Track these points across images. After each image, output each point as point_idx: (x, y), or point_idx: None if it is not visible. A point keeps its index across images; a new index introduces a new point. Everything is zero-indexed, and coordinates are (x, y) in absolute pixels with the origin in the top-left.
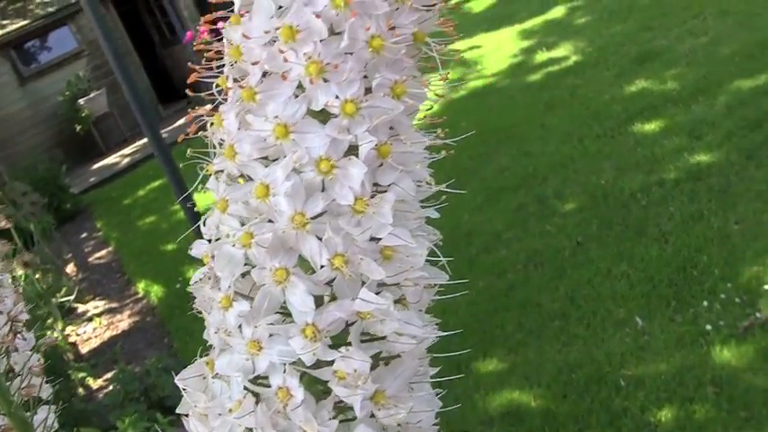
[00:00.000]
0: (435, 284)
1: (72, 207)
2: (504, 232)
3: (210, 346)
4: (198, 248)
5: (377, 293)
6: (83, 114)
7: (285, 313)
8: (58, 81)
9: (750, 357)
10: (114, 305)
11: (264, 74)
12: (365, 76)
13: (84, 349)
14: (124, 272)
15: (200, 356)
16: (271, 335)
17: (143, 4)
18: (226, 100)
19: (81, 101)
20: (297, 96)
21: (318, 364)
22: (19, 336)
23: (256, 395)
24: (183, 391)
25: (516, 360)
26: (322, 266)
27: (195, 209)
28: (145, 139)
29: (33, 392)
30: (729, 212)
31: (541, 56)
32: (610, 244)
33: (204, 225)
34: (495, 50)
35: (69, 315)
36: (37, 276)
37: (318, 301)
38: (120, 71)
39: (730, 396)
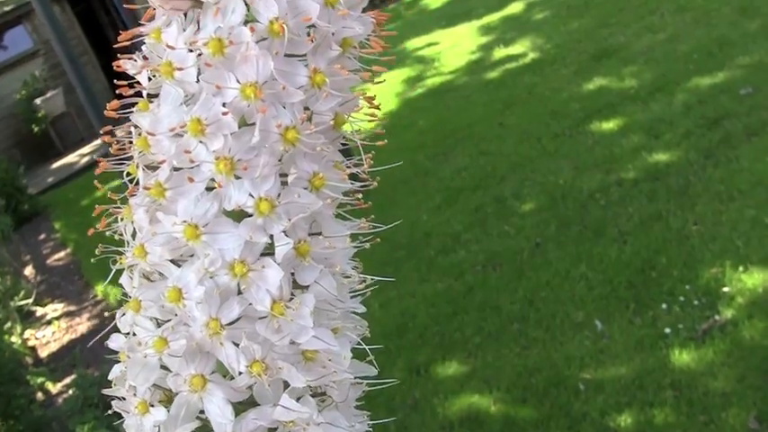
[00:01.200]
0: (363, 380)
1: (30, 208)
2: (463, 233)
3: None
4: (115, 342)
5: (299, 399)
6: (39, 114)
7: (204, 420)
8: (14, 80)
9: (709, 360)
10: (73, 308)
11: (173, 169)
12: (281, 172)
13: (43, 353)
14: (83, 274)
15: None
16: None
17: (98, 3)
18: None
19: (38, 100)
20: (209, 191)
21: None
22: None
23: None
24: None
25: (476, 364)
26: (240, 373)
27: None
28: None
29: None
30: (688, 213)
31: (499, 52)
32: (568, 245)
33: (120, 321)
34: (453, 47)
35: (28, 318)
36: None
37: (238, 407)
38: (73, 71)
39: (689, 399)
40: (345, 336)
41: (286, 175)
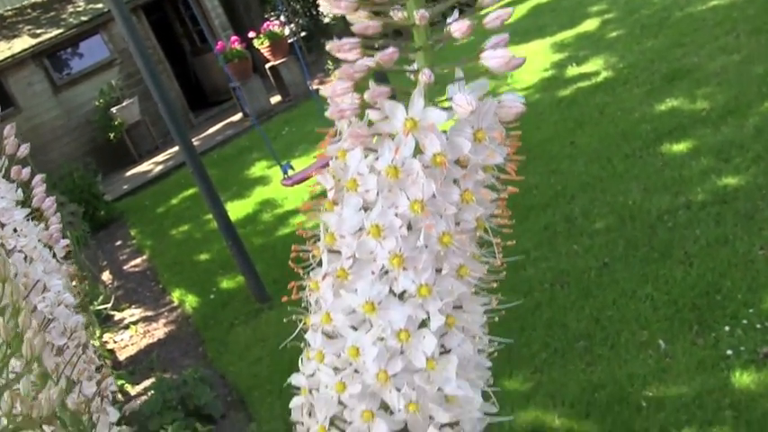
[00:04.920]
0: (488, 415)
1: (106, 215)
2: (532, 251)
3: None
4: (297, 380)
5: (440, 429)
6: (115, 122)
7: None
8: (91, 89)
9: None
10: (150, 313)
11: (353, 257)
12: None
13: (121, 356)
14: (159, 280)
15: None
16: None
17: (174, 14)
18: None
19: (113, 109)
20: (381, 278)
21: None
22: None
23: None
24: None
25: (541, 379)
26: (399, 410)
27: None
28: (176, 147)
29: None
30: (755, 237)
31: (572, 71)
32: (635, 265)
33: (302, 363)
34: (526, 64)
35: (106, 322)
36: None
37: None
38: (151, 80)
39: (748, 420)
40: (476, 384)
41: (439, 268)
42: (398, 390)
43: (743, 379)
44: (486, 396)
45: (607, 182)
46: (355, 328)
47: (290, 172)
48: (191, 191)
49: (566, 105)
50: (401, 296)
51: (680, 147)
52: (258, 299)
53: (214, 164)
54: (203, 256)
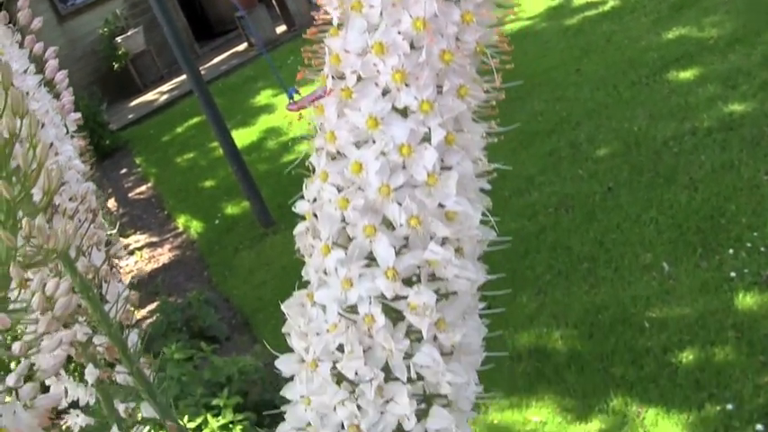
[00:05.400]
0: (485, 239)
1: (111, 143)
2: (537, 176)
3: (306, 282)
4: (301, 207)
5: (441, 246)
6: (120, 52)
7: (371, 259)
8: (96, 19)
9: None
10: (155, 239)
11: (358, 77)
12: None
13: (126, 281)
14: (164, 207)
15: (243, 294)
16: (360, 275)
17: None
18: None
19: (118, 39)
20: (384, 96)
21: (396, 298)
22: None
23: (348, 320)
24: (286, 316)
25: (545, 300)
26: (401, 225)
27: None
28: (181, 77)
29: (129, 319)
30: (760, 163)
31: (579, 0)
32: (640, 190)
33: (306, 189)
34: None
35: (110, 248)
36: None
37: (396, 251)
38: (158, 5)
39: (750, 341)
40: (476, 204)
41: (440, 87)
42: (400, 204)
43: (746, 300)
44: (484, 222)
45: (613, 108)
46: (358, 147)
47: (296, 97)
48: (196, 119)
49: (572, 34)
50: (404, 113)
51: (686, 74)
52: (263, 224)
53: (219, 93)
54: (208, 183)
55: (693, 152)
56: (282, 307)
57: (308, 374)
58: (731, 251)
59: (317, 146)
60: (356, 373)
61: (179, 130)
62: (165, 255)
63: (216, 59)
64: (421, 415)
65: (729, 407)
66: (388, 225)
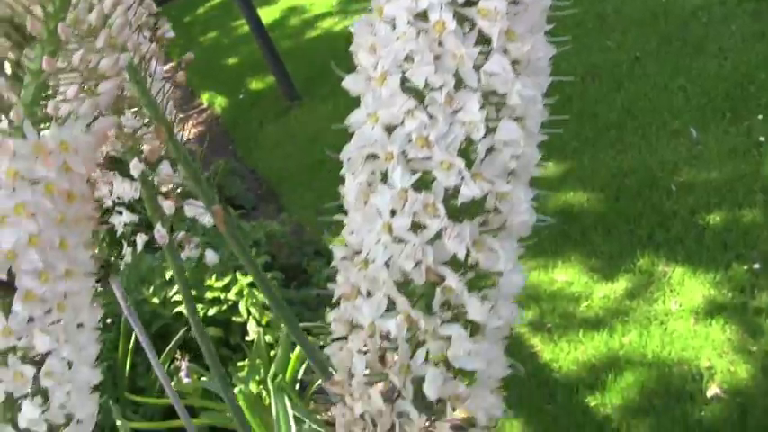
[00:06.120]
0: None
1: None
2: (562, 45)
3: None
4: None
5: None
6: None
7: None
8: None
9: None
10: (180, 115)
11: None
12: None
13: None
14: (187, 84)
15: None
16: None
17: None
18: None
19: None
20: None
21: (466, 4)
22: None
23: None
24: (353, 34)
25: (572, 165)
26: None
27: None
28: None
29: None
30: None
31: None
32: (668, 59)
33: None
34: None
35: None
36: None
37: None
38: None
39: None
40: None
41: None
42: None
43: None
44: None
45: None
46: None
47: None
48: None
49: None
50: None
51: None
52: (288, 97)
53: None
54: (232, 60)
55: (723, 22)
56: (350, 28)
57: (375, 92)
58: (760, 117)
59: None
60: (426, 84)
61: (200, 10)
62: (189, 130)
63: None
64: (488, 132)
65: (756, 266)
66: None
